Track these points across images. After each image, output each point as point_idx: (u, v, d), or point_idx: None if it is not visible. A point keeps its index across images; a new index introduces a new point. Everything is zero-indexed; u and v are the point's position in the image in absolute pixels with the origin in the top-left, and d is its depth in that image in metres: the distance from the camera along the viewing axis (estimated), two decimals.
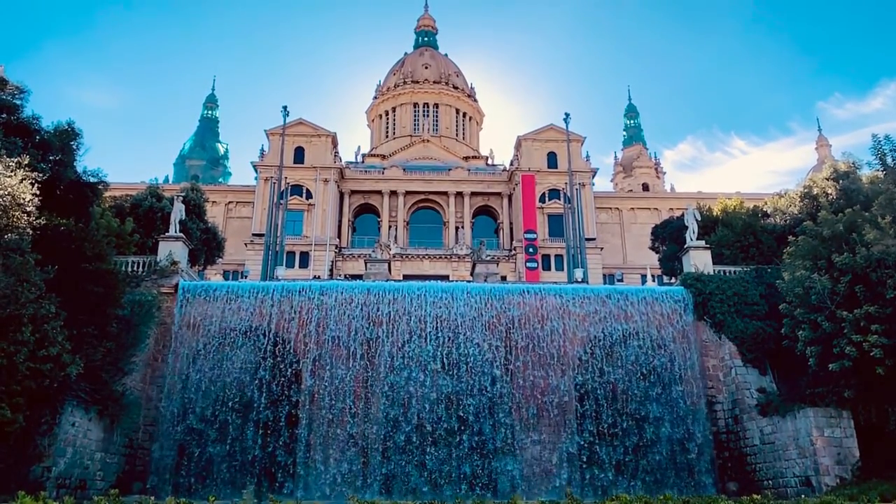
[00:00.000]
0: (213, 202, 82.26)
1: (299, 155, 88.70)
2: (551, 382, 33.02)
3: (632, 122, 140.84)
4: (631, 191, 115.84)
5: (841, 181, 35.76)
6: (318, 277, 68.85)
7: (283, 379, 33.01)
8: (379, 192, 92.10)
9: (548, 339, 33.81)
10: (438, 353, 33.27)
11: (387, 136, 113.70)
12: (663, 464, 32.48)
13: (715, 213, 44.33)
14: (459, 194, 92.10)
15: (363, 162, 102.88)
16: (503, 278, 70.11)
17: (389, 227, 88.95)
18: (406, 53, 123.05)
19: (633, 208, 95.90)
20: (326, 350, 33.14)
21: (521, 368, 33.34)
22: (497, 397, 33.00)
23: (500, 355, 33.64)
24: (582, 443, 32.47)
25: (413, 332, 33.84)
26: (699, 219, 39.95)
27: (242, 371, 33.19)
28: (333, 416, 32.00)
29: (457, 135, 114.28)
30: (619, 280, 79.80)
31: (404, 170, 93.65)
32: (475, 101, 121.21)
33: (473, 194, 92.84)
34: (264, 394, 32.49)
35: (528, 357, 33.54)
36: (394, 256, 74.95)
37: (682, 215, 41.29)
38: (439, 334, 33.65)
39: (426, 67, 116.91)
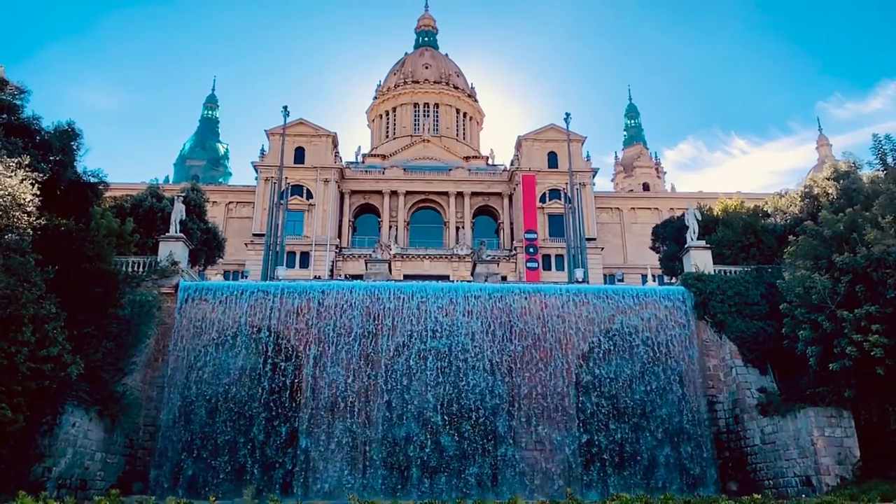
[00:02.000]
0: (214, 202, 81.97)
1: (299, 155, 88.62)
2: (555, 441, 32.01)
3: (632, 121, 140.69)
4: (631, 191, 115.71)
5: (841, 181, 35.72)
6: (319, 277, 68.88)
7: (282, 379, 32.90)
8: (379, 193, 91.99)
9: (549, 379, 32.96)
10: (439, 406, 32.14)
11: (387, 137, 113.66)
12: (665, 461, 32.46)
13: (715, 213, 44.28)
14: (460, 194, 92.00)
15: (363, 162, 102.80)
16: (503, 278, 70.07)
17: (390, 227, 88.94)
18: (406, 53, 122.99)
19: (633, 208, 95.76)
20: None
21: (525, 424, 32.33)
22: (501, 460, 31.75)
23: (504, 406, 32.49)
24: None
25: (413, 373, 32.85)
26: (699, 219, 39.95)
27: (242, 371, 33.17)
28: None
29: (457, 135, 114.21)
30: (619, 280, 79.44)
31: (405, 170, 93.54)
32: (475, 101, 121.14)
33: (474, 194, 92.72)
34: (265, 393, 32.45)
35: (532, 409, 32.52)
36: (394, 256, 74.90)
37: (683, 215, 41.27)
38: (440, 377, 32.72)
39: (426, 67, 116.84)
